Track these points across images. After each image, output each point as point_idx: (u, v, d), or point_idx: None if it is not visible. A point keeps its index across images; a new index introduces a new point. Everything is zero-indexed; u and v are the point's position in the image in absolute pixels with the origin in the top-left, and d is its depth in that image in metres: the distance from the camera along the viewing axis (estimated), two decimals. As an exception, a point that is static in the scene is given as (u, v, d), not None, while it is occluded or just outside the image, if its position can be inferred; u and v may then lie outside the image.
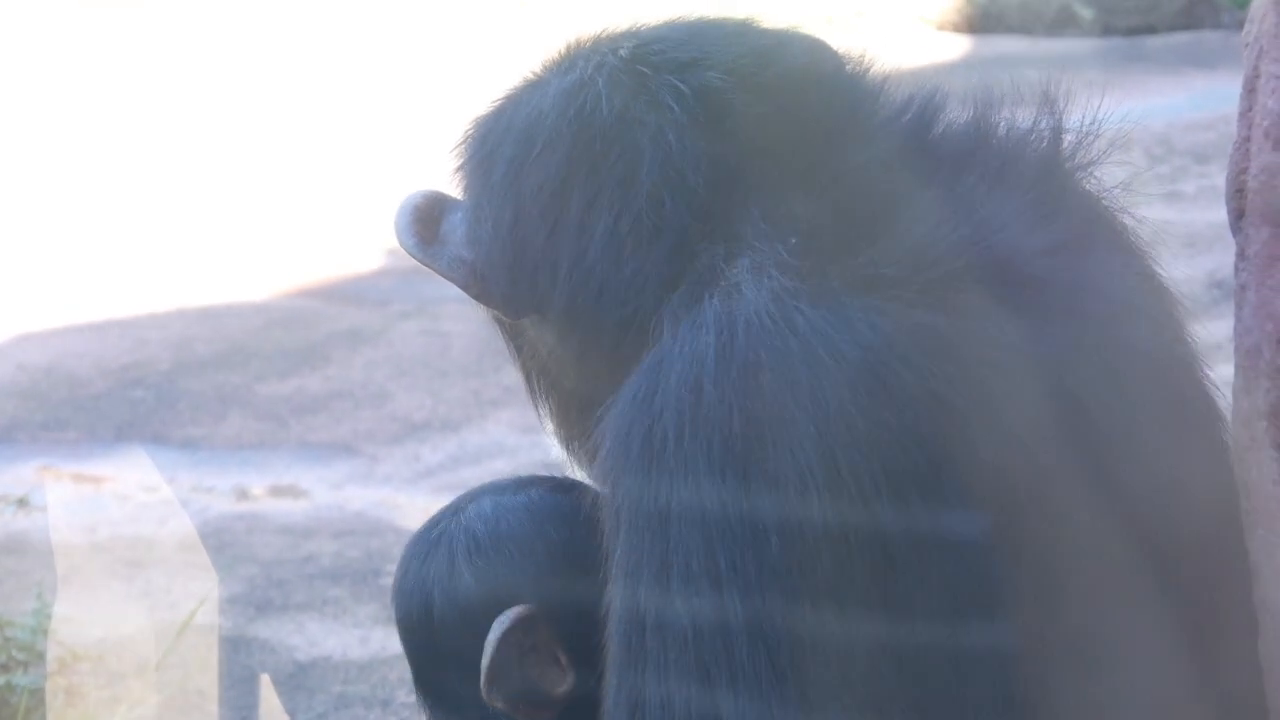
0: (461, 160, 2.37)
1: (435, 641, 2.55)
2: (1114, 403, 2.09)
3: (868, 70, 2.30)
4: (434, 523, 2.60)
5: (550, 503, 2.58)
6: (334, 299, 7.74)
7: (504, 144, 2.29)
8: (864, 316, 2.01)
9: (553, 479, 2.64)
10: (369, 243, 8.07)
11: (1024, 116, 2.28)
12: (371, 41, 10.95)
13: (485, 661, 2.46)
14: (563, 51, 2.35)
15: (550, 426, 2.47)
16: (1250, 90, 2.26)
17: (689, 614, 2.00)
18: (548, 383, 2.40)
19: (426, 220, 2.35)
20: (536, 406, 2.48)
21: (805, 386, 1.99)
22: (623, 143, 2.22)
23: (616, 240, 2.21)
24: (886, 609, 1.98)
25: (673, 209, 2.19)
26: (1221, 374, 2.32)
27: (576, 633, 2.45)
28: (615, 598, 2.09)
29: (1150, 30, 11.47)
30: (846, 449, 1.97)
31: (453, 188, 2.40)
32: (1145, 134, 8.20)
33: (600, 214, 2.21)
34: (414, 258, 2.35)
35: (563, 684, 2.47)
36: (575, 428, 2.39)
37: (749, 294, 2.06)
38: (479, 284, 2.30)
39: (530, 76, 2.37)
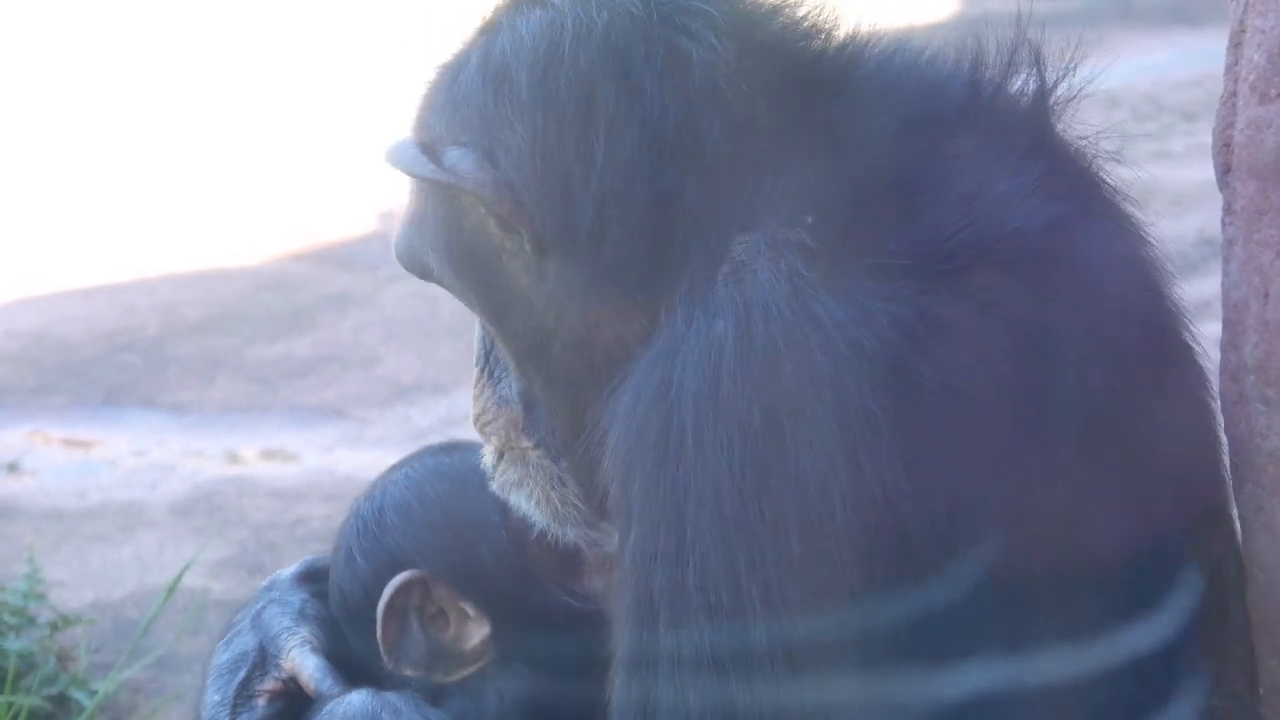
0: (454, 102, 2.29)
1: (361, 631, 2.57)
2: (1112, 374, 2.08)
3: (862, 34, 2.27)
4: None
5: (429, 465, 2.63)
6: (323, 263, 7.73)
7: (515, 64, 2.22)
8: (883, 307, 1.97)
9: (441, 445, 2.68)
10: (358, 207, 8.05)
11: (1017, 77, 2.26)
12: (363, 6, 10.92)
13: (379, 633, 2.51)
14: None
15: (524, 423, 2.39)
16: (1236, 45, 2.25)
17: (705, 609, 1.96)
18: (542, 344, 2.29)
19: (428, 151, 2.28)
20: (519, 404, 2.39)
21: (827, 380, 1.95)
22: (662, 46, 2.17)
23: (653, 144, 2.15)
24: (906, 605, 1.96)
25: (707, 134, 2.15)
26: (1211, 331, 2.32)
27: (478, 580, 2.52)
28: (626, 591, 2.05)
29: (1138, -12, 11.44)
30: (868, 445, 1.94)
31: (434, 134, 2.31)
32: (1133, 93, 8.19)
33: (639, 113, 2.16)
34: (426, 177, 2.26)
35: (478, 634, 2.52)
36: (563, 406, 2.30)
37: (764, 277, 2.01)
38: (510, 197, 2.21)
39: (500, 17, 2.29)
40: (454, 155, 2.26)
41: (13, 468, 5.71)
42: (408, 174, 2.31)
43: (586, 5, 2.21)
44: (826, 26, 2.27)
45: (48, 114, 9.55)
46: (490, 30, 2.29)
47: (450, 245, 2.33)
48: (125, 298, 7.38)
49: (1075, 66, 2.26)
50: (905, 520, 1.94)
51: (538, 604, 2.52)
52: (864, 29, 2.28)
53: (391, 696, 2.43)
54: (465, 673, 2.53)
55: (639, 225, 2.17)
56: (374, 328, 6.97)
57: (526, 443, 2.39)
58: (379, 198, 7.90)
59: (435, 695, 2.51)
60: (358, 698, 2.42)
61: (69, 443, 6.07)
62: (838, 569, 1.94)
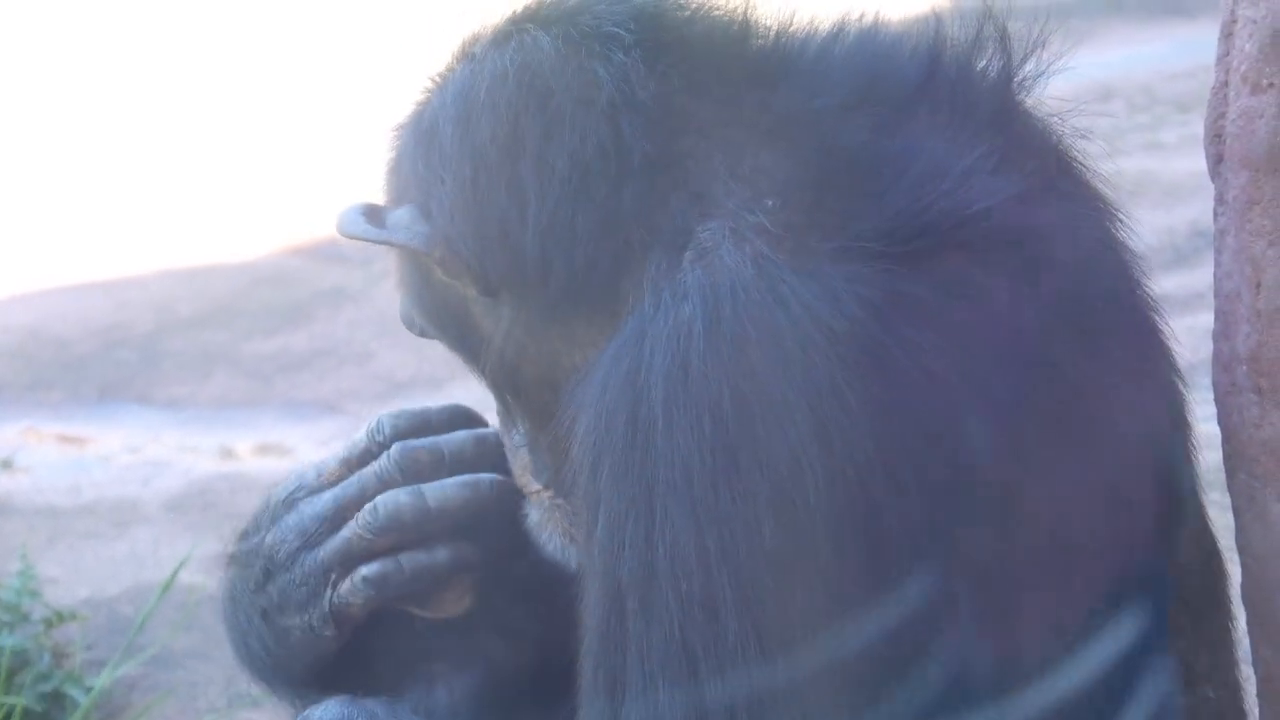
0: (396, 163, 2.38)
1: None
2: (1082, 355, 2.08)
3: (799, 25, 2.28)
4: None
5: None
6: (318, 258, 7.72)
7: (441, 118, 2.29)
8: (850, 288, 1.97)
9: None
10: (352, 202, 8.05)
11: (981, 55, 2.25)
12: (360, 3, 10.93)
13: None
14: (468, 44, 2.35)
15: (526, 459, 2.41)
16: (1227, 35, 2.25)
17: (676, 597, 1.95)
18: (514, 384, 2.33)
19: (372, 215, 2.36)
20: (510, 431, 2.42)
21: (797, 363, 1.94)
22: (573, 76, 2.21)
23: (581, 169, 2.18)
24: (880, 588, 1.95)
25: (633, 140, 2.17)
26: (1203, 322, 2.32)
27: None
28: (593, 580, 2.03)
29: (1133, -21, 11.45)
30: (840, 427, 1.93)
31: (385, 198, 2.42)
32: (1127, 84, 8.18)
33: (561, 143, 2.19)
34: (368, 239, 2.33)
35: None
36: (545, 424, 2.28)
37: (730, 262, 2.01)
38: (444, 247, 2.26)
39: (437, 77, 2.36)
40: (395, 216, 2.33)
41: (6, 464, 5.71)
42: (347, 237, 2.38)
43: (502, 53, 2.27)
44: (751, 22, 2.29)
45: (43, 111, 9.55)
46: (427, 91, 2.37)
47: (424, 300, 2.40)
48: (119, 294, 7.38)
49: (1043, 43, 2.25)
50: (878, 502, 1.94)
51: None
52: (801, 21, 2.30)
53: (369, 703, 2.42)
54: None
55: (585, 250, 2.19)
56: (368, 323, 6.97)
57: (536, 486, 2.40)
58: (373, 193, 7.89)
59: (394, 688, 2.54)
60: (335, 706, 2.41)
61: (63, 439, 6.06)
62: (811, 552, 1.94)
